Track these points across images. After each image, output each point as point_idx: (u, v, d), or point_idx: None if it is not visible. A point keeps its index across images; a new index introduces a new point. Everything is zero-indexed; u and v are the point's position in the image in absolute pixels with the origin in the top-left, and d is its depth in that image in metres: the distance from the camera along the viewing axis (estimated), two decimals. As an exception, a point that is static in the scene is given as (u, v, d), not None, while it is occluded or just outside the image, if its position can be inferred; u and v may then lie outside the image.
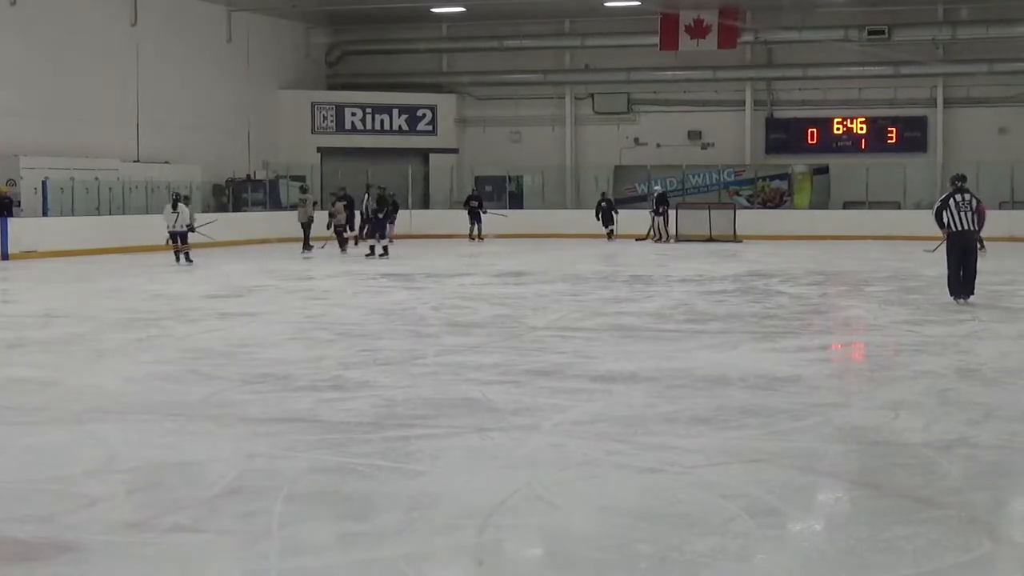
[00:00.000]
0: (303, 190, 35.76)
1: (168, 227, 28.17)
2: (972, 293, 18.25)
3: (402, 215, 38.64)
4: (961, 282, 18.31)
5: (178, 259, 27.90)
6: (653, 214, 37.65)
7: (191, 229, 27.81)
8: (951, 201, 18.33)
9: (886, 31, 40.20)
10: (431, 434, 8.81)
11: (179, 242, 28.02)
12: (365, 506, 6.87)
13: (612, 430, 8.87)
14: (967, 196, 18.40)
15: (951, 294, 18.36)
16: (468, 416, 9.40)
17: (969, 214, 18.17)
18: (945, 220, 18.33)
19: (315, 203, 35.27)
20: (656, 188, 39.27)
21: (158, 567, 5.87)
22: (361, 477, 7.58)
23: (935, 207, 18.88)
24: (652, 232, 37.67)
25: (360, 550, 6.12)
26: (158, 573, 5.78)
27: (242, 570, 5.85)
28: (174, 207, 28.13)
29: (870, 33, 40.31)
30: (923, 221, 37.17)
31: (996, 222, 35.23)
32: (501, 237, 38.78)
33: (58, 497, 7.06)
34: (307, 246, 33.00)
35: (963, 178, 19.13)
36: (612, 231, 38.78)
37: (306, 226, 33.22)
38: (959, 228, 18.21)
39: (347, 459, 7.99)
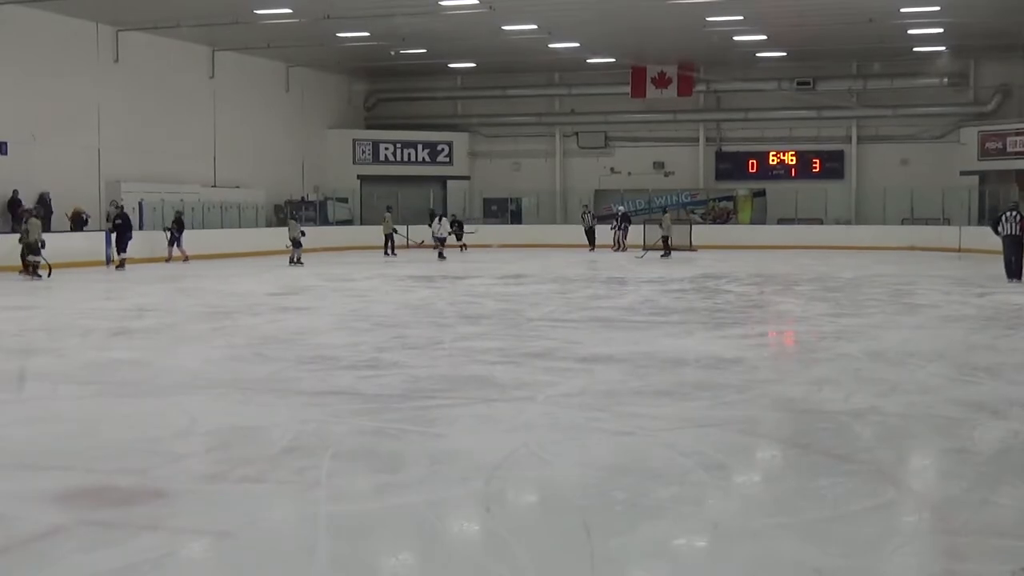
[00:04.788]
0: (388, 209, 37.08)
1: (434, 233, 33.16)
2: (1020, 278, 21.81)
3: (421, 229, 38.56)
4: (1013, 269, 21.93)
5: (441, 256, 32.04)
6: (616, 229, 37.39)
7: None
8: (1003, 216, 22.24)
9: (811, 82, 40.36)
10: (448, 404, 8.80)
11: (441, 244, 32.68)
12: (396, 462, 6.87)
13: (593, 401, 8.87)
14: (1014, 213, 22.15)
15: (1008, 277, 21.89)
16: (478, 390, 9.40)
17: (1015, 224, 21.83)
18: (999, 229, 22.10)
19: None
20: (620, 208, 39.16)
21: (230, 509, 5.87)
22: (392, 438, 7.58)
23: (992, 221, 23.08)
24: (614, 243, 37.39)
25: (392, 497, 6.12)
26: (230, 514, 5.78)
27: (297, 513, 5.85)
28: (440, 220, 33.91)
29: (798, 84, 40.46)
30: (843, 234, 37.44)
31: (899, 235, 35.33)
32: (505, 247, 38.79)
33: (151, 454, 7.07)
34: (393, 252, 34.61)
35: (1017, 203, 23.90)
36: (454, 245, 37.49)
37: (389, 236, 34.97)
38: (1007, 233, 21.97)
39: (381, 424, 7.99)
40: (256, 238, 35.14)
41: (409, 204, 41.06)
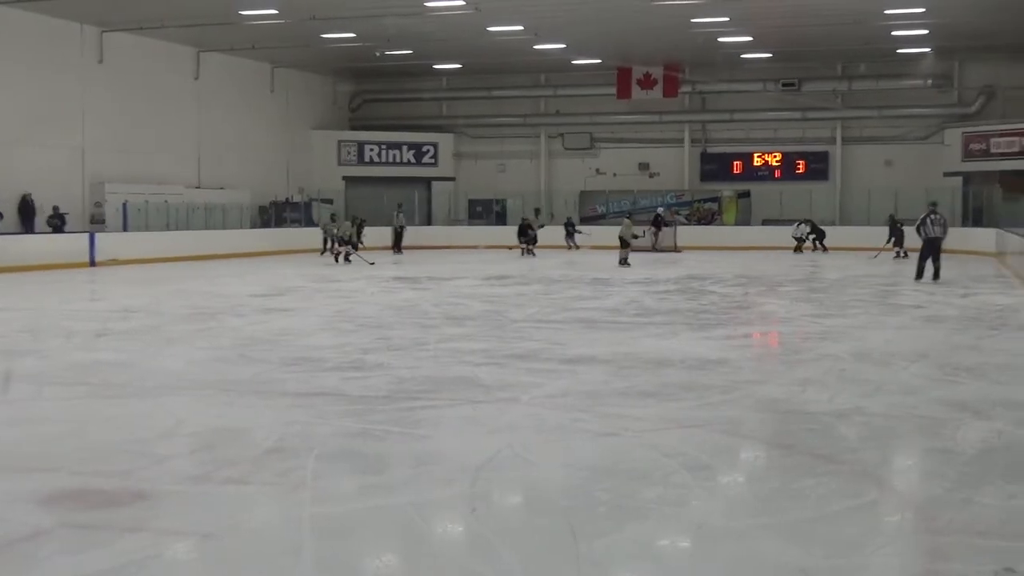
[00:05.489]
0: (400, 206, 38.69)
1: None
2: (938, 277, 22.20)
3: (409, 229, 38.57)
4: (925, 270, 22.32)
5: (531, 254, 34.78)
6: (651, 231, 37.07)
7: None
8: (928, 218, 22.36)
9: (796, 83, 40.50)
10: (433, 405, 8.80)
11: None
12: (380, 463, 6.87)
13: (577, 402, 8.88)
14: (938, 215, 22.51)
15: (916, 277, 22.37)
16: (462, 391, 9.40)
17: (939, 227, 22.26)
18: (923, 230, 22.29)
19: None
20: (659, 209, 39.27)
21: (215, 511, 5.87)
22: (377, 440, 7.57)
23: (917, 222, 22.85)
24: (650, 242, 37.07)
25: (376, 498, 6.12)
26: (215, 516, 5.77)
27: (282, 514, 5.85)
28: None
29: (783, 85, 40.60)
30: (828, 235, 37.50)
31: (884, 236, 35.47)
32: (492, 248, 38.83)
33: (135, 456, 7.05)
34: (400, 250, 36.85)
35: (935, 203, 23.77)
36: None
37: (399, 234, 37.42)
38: (932, 235, 22.22)
39: (366, 425, 7.99)
40: (241, 239, 35.12)
41: (394, 205, 41.10)
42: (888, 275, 24.80)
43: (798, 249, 36.45)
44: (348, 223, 31.78)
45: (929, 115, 40.18)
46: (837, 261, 31.16)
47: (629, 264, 28.96)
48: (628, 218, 33.01)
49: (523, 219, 37.55)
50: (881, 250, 32.54)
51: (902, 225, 32.61)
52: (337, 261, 30.56)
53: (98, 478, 6.54)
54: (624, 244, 30.25)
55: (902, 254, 31.62)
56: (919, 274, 22.40)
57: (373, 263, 29.14)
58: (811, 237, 37.04)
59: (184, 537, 5.46)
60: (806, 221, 37.40)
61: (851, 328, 14.28)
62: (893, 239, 32.46)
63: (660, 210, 39.11)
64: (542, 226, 37.40)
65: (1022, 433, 7.78)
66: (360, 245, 31.62)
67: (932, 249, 22.36)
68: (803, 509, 5.87)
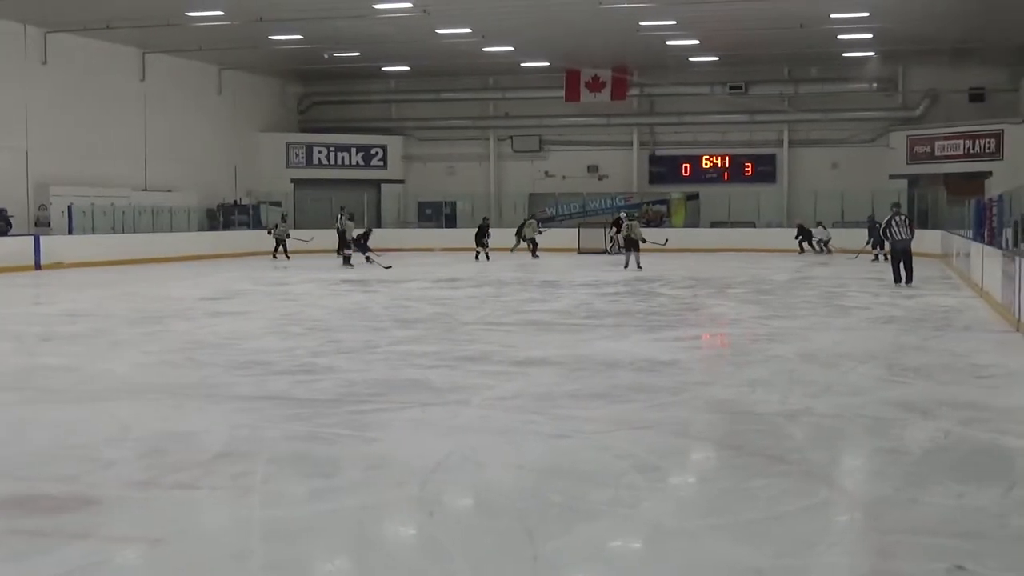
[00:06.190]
0: (342, 209, 37.41)
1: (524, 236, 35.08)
2: (911, 280, 21.85)
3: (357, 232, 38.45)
4: (900, 273, 21.91)
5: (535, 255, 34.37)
6: (614, 233, 36.80)
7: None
8: (893, 220, 21.84)
9: (744, 87, 40.79)
10: (383, 408, 8.77)
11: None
12: (330, 466, 6.83)
13: (528, 404, 8.87)
14: (903, 216, 21.98)
15: (895, 282, 21.94)
16: (413, 394, 9.36)
17: (905, 229, 21.70)
18: (890, 233, 21.92)
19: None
20: (621, 214, 38.46)
21: (163, 516, 5.81)
22: (327, 443, 7.53)
23: (882, 224, 22.77)
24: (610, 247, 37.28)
25: (327, 502, 6.08)
26: (163, 522, 5.71)
27: (231, 519, 5.80)
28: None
29: (731, 88, 40.87)
30: (775, 236, 37.84)
31: (859, 237, 35.80)
32: (448, 251, 38.76)
33: (82, 461, 6.97)
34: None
35: (898, 204, 23.15)
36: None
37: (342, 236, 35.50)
38: (899, 237, 21.80)
39: (316, 429, 7.94)
40: (188, 242, 34.89)
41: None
42: (835, 277, 25.00)
43: (822, 250, 36.94)
44: (350, 222, 31.62)
45: (874, 118, 40.62)
46: (783, 263, 31.38)
47: (641, 267, 27.96)
48: (634, 219, 32.10)
49: (484, 219, 37.34)
50: (860, 252, 32.83)
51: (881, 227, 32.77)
52: (351, 264, 30.31)
53: (44, 483, 6.45)
54: (635, 247, 29.07)
55: (882, 257, 31.74)
56: (896, 277, 22.05)
57: (390, 266, 28.81)
58: (799, 239, 37.39)
59: (132, 543, 5.40)
60: (819, 224, 37.81)
61: (799, 329, 14.37)
62: (872, 240, 32.63)
63: (623, 214, 39.13)
64: (540, 232, 37.00)
65: (969, 432, 7.86)
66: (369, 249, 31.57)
67: (900, 252, 22.07)
68: (754, 509, 5.89)
